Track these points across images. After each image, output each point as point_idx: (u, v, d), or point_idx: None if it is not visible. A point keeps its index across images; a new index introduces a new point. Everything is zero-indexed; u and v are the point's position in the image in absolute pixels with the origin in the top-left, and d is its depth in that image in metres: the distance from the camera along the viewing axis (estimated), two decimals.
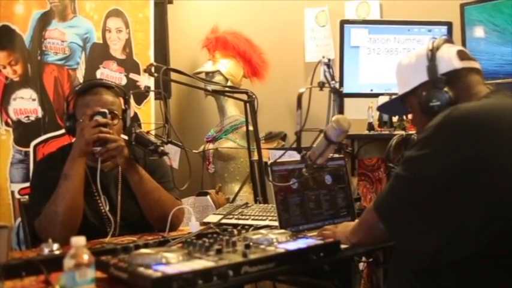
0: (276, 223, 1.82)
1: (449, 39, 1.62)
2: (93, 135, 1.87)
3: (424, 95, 1.53)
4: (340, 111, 2.82)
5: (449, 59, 1.53)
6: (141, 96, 3.26)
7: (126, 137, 1.97)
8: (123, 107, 2.05)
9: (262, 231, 1.60)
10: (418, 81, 1.55)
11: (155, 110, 3.38)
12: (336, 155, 1.90)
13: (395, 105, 1.73)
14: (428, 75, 1.53)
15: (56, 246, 1.52)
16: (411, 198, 1.41)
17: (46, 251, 1.50)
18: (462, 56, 1.55)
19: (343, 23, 2.92)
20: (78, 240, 1.11)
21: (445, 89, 1.50)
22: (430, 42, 1.57)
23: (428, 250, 1.38)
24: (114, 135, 1.93)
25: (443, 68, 1.52)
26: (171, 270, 1.20)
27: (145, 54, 3.34)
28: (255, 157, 2.51)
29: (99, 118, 1.90)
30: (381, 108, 1.94)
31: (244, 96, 2.45)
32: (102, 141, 1.90)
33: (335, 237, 1.61)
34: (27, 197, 2.21)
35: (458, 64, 1.53)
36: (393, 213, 1.45)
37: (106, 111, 1.93)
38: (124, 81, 3.23)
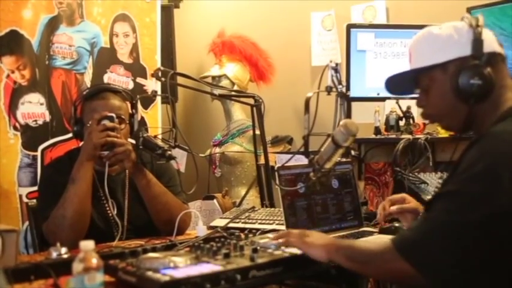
0: (283, 227, 1.82)
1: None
2: (101, 139, 1.88)
3: (462, 71, 1.32)
4: (347, 115, 2.82)
5: (490, 40, 1.37)
6: (148, 100, 3.27)
7: (133, 141, 1.98)
8: (130, 111, 2.06)
9: (269, 235, 1.60)
10: (454, 55, 1.35)
11: (162, 114, 3.39)
12: (343, 159, 1.90)
13: (405, 81, 1.49)
14: (473, 50, 1.33)
15: (64, 250, 1.52)
16: (473, 244, 1.16)
17: (54, 254, 1.51)
18: (498, 42, 1.40)
19: (349, 27, 2.92)
20: (87, 244, 1.11)
21: (488, 69, 1.32)
22: (467, 17, 1.38)
23: None
24: (122, 139, 1.93)
25: (486, 46, 1.34)
26: (179, 274, 1.20)
27: (152, 59, 3.36)
28: (262, 161, 2.51)
29: (106, 122, 1.91)
30: (389, 82, 1.52)
31: (251, 100, 2.46)
32: (110, 145, 1.90)
33: (301, 247, 1.41)
34: (35, 200, 2.22)
35: (498, 48, 1.38)
36: (448, 266, 1.16)
37: (113, 115, 1.94)
38: (131, 86, 3.24)
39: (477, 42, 1.33)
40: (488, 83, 1.31)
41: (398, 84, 1.53)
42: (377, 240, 1.71)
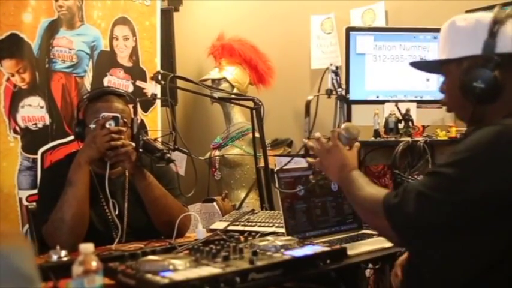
0: (283, 230, 1.82)
1: None
2: (105, 144, 1.89)
3: (469, 71, 1.33)
4: (347, 118, 2.83)
5: (511, 39, 1.31)
6: (147, 103, 3.28)
7: (133, 144, 1.98)
8: (132, 115, 2.07)
9: (268, 238, 1.61)
10: (468, 52, 1.34)
11: (162, 117, 3.40)
12: None
13: (431, 65, 1.53)
14: (483, 50, 1.31)
15: (64, 252, 1.53)
16: (445, 222, 1.23)
17: (54, 257, 1.51)
18: None
19: (348, 30, 2.92)
20: (87, 247, 1.11)
21: (496, 72, 1.29)
22: (497, 11, 1.33)
23: (462, 278, 1.24)
24: (126, 140, 1.94)
25: (501, 46, 1.30)
26: (178, 277, 1.20)
27: (152, 62, 3.37)
28: (261, 164, 2.51)
29: (110, 126, 1.92)
30: (415, 64, 1.57)
31: (251, 103, 2.46)
32: (113, 147, 1.91)
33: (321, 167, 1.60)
34: (34, 204, 2.22)
35: None
36: (417, 235, 1.26)
37: (118, 115, 1.96)
38: (131, 89, 3.25)
39: (488, 43, 1.31)
40: (492, 88, 1.30)
41: (427, 66, 1.59)
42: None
